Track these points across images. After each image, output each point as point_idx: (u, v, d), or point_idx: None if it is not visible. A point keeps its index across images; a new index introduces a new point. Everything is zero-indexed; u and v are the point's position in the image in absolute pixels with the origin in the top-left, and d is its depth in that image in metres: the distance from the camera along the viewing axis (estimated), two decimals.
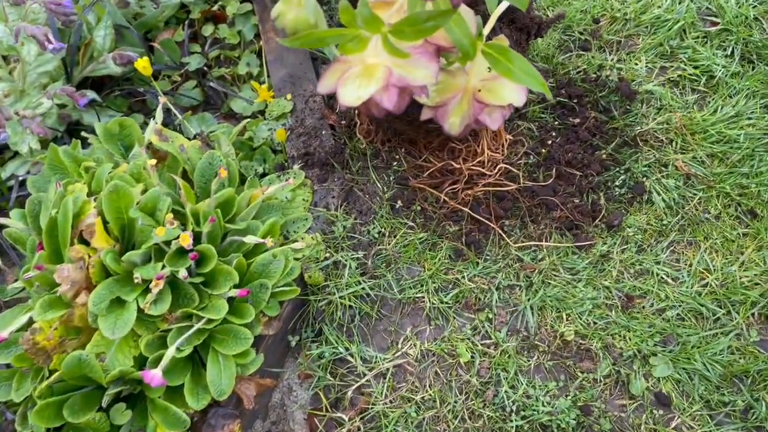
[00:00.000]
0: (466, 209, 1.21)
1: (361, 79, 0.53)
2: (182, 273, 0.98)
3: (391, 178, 1.28)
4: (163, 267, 1.00)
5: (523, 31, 1.03)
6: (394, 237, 1.21)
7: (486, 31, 0.66)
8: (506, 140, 1.33)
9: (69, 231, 0.98)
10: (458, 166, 1.25)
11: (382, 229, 1.22)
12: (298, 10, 0.57)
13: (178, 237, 0.99)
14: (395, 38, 0.50)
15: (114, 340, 0.95)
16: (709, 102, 1.34)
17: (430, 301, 1.16)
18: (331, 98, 1.41)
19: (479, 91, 0.65)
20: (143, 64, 1.30)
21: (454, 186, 1.24)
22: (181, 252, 1.00)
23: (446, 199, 1.23)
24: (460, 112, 0.65)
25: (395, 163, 1.29)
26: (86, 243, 0.99)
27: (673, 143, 1.31)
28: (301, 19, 0.57)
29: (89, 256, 0.97)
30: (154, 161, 1.06)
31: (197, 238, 1.06)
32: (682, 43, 1.41)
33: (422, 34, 0.48)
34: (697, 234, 1.23)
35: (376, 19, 0.50)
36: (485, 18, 0.65)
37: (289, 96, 1.38)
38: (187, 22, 1.60)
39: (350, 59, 0.55)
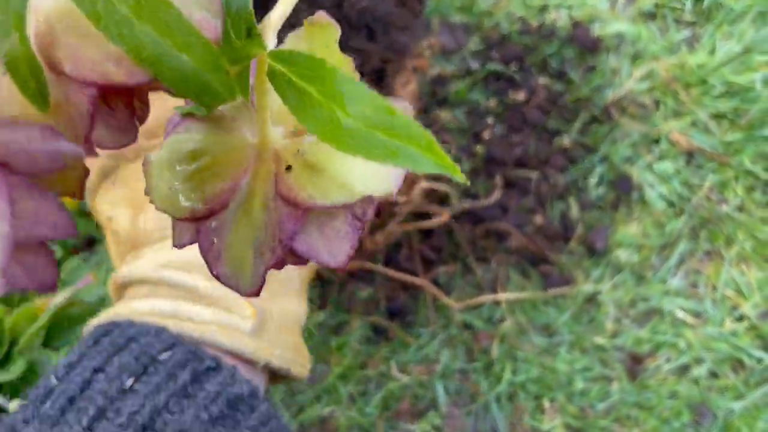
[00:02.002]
0: (378, 267, 0.82)
1: None
2: None
3: None
4: None
5: None
6: None
7: (281, 12, 0.25)
8: None
9: None
10: None
11: None
12: None
13: None
14: None
15: None
16: (702, 37, 0.97)
17: (344, 415, 0.79)
18: None
19: (288, 168, 0.23)
20: None
21: None
22: None
23: None
24: (247, 232, 0.24)
25: None
26: None
27: (662, 106, 0.94)
28: None
29: None
30: None
31: None
32: None
33: None
34: (715, 238, 0.87)
35: None
36: None
37: None
38: None
39: None
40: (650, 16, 1.00)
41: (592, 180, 0.91)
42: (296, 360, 0.39)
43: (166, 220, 0.36)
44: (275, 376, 0.41)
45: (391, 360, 0.83)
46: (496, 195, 0.89)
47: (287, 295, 0.39)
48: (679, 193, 0.90)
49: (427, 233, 0.88)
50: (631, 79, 0.95)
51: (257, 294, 0.29)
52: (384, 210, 0.86)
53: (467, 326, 0.84)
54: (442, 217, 0.88)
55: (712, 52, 0.96)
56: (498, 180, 0.90)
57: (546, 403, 0.81)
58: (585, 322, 0.84)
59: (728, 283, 0.86)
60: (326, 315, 0.84)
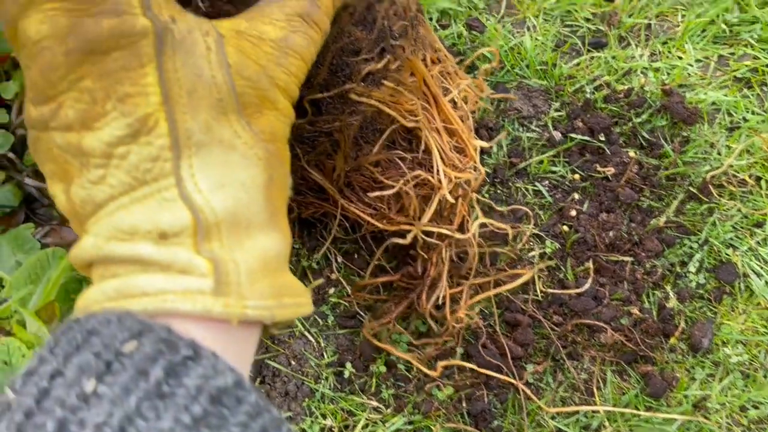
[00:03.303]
0: (458, 363, 0.75)
1: None
2: None
3: (329, 319, 0.80)
4: None
5: None
6: None
7: None
8: (465, 206, 0.86)
9: None
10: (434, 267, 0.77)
11: (327, 422, 0.75)
12: None
13: None
14: None
15: None
16: None
17: None
18: None
19: None
20: None
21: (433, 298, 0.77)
22: None
23: (421, 355, 0.76)
24: None
25: (332, 289, 0.82)
26: None
27: (765, 184, 0.86)
28: None
29: None
30: None
31: None
32: (744, 15, 0.95)
33: None
34: None
35: None
36: None
37: None
38: None
39: None
40: (746, 82, 0.93)
41: (692, 266, 0.84)
42: (280, 304, 0.35)
43: (93, 188, 0.33)
44: (266, 326, 0.38)
45: None
46: (588, 283, 0.81)
47: (251, 234, 0.35)
48: None
49: (511, 322, 0.81)
50: (729, 153, 0.88)
51: None
52: (453, 272, 0.78)
53: None
54: (525, 275, 0.80)
55: None
56: (589, 265, 0.83)
57: None
58: None
59: None
60: (403, 420, 0.76)
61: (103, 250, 0.33)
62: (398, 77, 0.65)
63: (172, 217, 0.33)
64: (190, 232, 0.33)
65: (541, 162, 0.88)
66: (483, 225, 0.83)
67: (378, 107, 0.65)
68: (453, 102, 0.82)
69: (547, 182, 0.88)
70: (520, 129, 0.91)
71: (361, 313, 0.81)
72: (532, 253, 0.84)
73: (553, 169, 0.88)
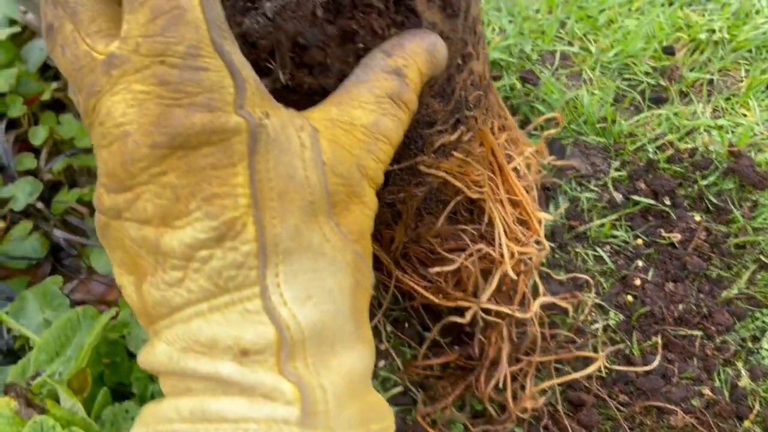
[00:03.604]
0: None
1: None
2: None
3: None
4: None
5: None
6: None
7: None
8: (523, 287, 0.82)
9: None
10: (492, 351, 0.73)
11: None
12: None
13: None
14: None
15: None
16: None
17: None
18: None
19: None
20: None
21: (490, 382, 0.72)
22: None
23: None
24: None
25: (381, 362, 0.77)
26: None
27: None
28: None
29: None
30: None
31: None
32: None
33: None
34: None
35: None
36: None
37: None
38: (4, 122, 1.03)
39: None
40: None
41: (764, 342, 0.79)
42: (368, 430, 0.33)
43: (169, 290, 0.30)
44: None
45: None
46: (656, 360, 0.76)
47: (336, 351, 0.32)
48: None
49: (574, 402, 0.76)
50: None
51: None
52: (512, 349, 0.73)
53: None
54: (594, 364, 0.75)
55: None
56: (658, 340, 0.78)
57: None
58: None
59: None
60: None
61: (178, 363, 0.30)
62: (468, 148, 0.61)
63: (255, 333, 0.30)
64: (273, 350, 0.30)
65: (602, 225, 0.84)
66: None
67: (446, 178, 0.61)
68: (516, 170, 0.78)
69: (608, 247, 0.83)
70: (578, 189, 0.86)
71: (413, 390, 0.77)
72: (595, 325, 0.79)
73: (615, 233, 0.84)
